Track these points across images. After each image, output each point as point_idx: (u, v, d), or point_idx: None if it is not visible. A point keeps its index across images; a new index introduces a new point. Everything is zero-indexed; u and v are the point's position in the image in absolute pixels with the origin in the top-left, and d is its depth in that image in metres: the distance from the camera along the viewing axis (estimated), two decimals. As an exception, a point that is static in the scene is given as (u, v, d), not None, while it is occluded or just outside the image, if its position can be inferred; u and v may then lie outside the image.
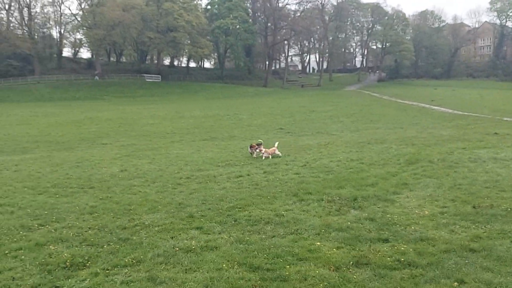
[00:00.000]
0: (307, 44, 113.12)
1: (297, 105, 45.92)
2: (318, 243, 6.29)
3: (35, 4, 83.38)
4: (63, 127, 32.53)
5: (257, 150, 15.22)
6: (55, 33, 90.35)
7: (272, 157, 14.75)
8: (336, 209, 8.07)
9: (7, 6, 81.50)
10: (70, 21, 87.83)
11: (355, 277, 5.25)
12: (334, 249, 6.07)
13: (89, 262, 5.63)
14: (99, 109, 50.10)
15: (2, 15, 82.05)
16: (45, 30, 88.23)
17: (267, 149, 14.98)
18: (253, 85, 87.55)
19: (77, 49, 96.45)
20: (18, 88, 71.54)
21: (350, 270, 5.44)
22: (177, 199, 9.20)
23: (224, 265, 5.54)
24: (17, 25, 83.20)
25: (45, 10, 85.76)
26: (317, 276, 5.25)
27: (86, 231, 6.94)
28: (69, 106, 54.06)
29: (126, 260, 5.68)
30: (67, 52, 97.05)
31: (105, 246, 6.24)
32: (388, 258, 5.71)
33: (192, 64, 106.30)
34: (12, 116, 43.67)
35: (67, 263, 5.55)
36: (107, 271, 5.34)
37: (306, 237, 6.59)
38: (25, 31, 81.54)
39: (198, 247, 6.16)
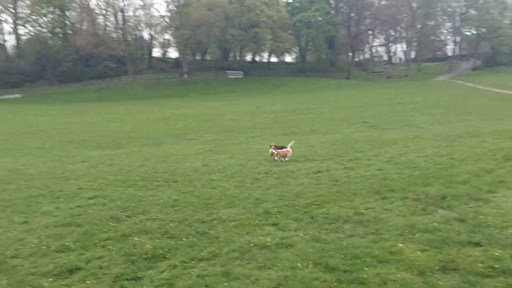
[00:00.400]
0: (393, 33, 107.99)
1: (382, 97, 44.12)
2: (401, 245, 5.88)
3: (127, 8, 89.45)
4: (153, 123, 34.52)
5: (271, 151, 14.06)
6: (146, 34, 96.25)
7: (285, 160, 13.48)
8: (421, 208, 7.51)
9: (104, 12, 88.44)
10: (159, 23, 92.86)
11: (441, 283, 4.82)
12: (418, 252, 5.63)
13: (168, 254, 5.82)
14: (185, 106, 52.48)
15: (100, 20, 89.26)
16: (137, 32, 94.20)
17: (279, 151, 13.68)
18: (335, 78, 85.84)
19: (165, 49, 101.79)
20: (114, 88, 77.55)
21: (436, 275, 5.00)
22: (254, 194, 9.22)
23: (298, 264, 5.40)
24: (112, 29, 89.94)
25: (137, 13, 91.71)
26: (398, 280, 4.90)
27: (167, 224, 7.21)
28: (159, 104, 57.33)
29: (203, 254, 5.79)
30: (156, 52, 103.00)
31: (184, 239, 6.42)
32: (480, 264, 5.16)
33: (274, 59, 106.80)
34: (109, 114, 47.38)
35: (149, 254, 5.79)
36: (185, 264, 5.47)
37: (388, 238, 6.20)
38: (119, 34, 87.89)
39: (273, 244, 6.08)
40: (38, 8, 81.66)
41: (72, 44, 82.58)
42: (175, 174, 12.40)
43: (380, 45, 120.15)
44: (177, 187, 10.42)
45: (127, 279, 5.07)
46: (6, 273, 5.32)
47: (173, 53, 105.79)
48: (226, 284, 4.86)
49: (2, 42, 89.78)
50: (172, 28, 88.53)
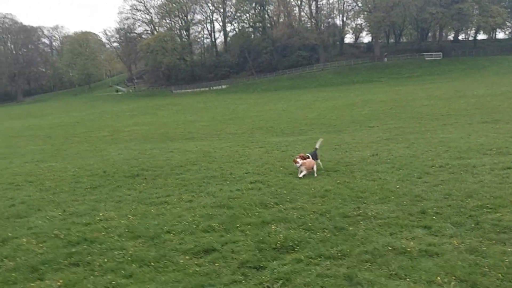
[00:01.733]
0: None
1: None
2: None
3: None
4: (338, 110, 34.50)
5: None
6: (338, 21, 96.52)
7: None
8: None
9: (298, 2, 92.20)
10: (352, 8, 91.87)
11: None
12: None
13: (298, 247, 5.64)
14: (374, 92, 50.80)
15: (295, 11, 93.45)
16: (329, 20, 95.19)
17: (305, 161, 10.53)
18: None
19: (357, 34, 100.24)
20: (306, 76, 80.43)
21: None
22: (415, 190, 8.22)
23: (438, 278, 4.54)
24: (306, 19, 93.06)
25: (330, 1, 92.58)
26: None
27: (309, 215, 7.02)
28: (347, 90, 56.98)
29: (332, 251, 5.41)
30: (348, 38, 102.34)
31: (318, 233, 6.13)
32: None
33: (481, 36, 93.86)
34: (298, 101, 49.41)
35: (278, 245, 5.72)
36: (310, 260, 5.21)
37: None
38: (312, 23, 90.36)
39: (415, 250, 5.28)
40: (242, 5, 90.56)
41: (270, 37, 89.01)
42: (338, 163, 12.07)
43: None
44: (334, 177, 10.09)
45: (250, 267, 5.11)
46: (156, 246, 6.00)
47: (365, 38, 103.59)
48: (345, 288, 4.43)
49: (213, 40, 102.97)
50: (365, 12, 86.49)
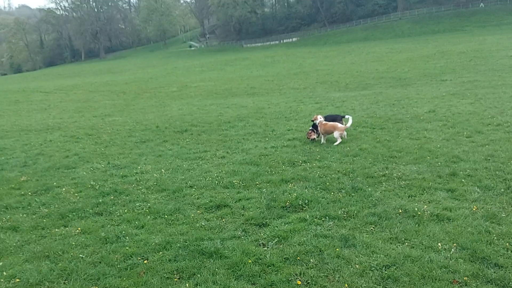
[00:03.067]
0: None
1: None
2: None
3: None
4: (412, 62, 32.53)
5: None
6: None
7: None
8: None
9: None
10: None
11: None
12: None
13: (307, 206, 5.59)
14: (455, 42, 46.87)
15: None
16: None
17: (326, 124, 9.19)
18: None
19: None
20: (382, 26, 75.83)
21: None
22: (456, 151, 7.67)
23: (439, 244, 4.29)
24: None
25: None
26: None
27: (331, 174, 6.85)
28: (425, 41, 53.07)
29: (339, 212, 5.29)
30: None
31: (333, 193, 6.00)
32: None
33: None
34: (370, 53, 47.11)
35: (288, 203, 5.70)
36: (315, 220, 5.14)
37: None
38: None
39: (426, 214, 4.99)
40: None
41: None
42: (388, 120, 11.52)
43: None
44: (378, 134, 9.70)
45: (253, 224, 5.18)
46: (176, 199, 6.27)
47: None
48: (337, 250, 4.34)
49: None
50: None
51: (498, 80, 19.12)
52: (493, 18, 63.27)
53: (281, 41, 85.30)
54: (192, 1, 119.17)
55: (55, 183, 7.47)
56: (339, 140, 9.03)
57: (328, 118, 9.66)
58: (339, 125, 9.22)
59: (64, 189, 7.09)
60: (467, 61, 28.61)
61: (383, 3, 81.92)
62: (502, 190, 5.58)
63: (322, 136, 9.26)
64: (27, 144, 11.58)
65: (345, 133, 9.25)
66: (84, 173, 8.14)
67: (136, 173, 7.91)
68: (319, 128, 9.26)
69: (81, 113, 19.68)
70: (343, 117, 10.03)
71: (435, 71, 25.44)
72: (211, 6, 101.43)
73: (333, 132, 9.13)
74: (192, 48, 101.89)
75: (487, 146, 7.83)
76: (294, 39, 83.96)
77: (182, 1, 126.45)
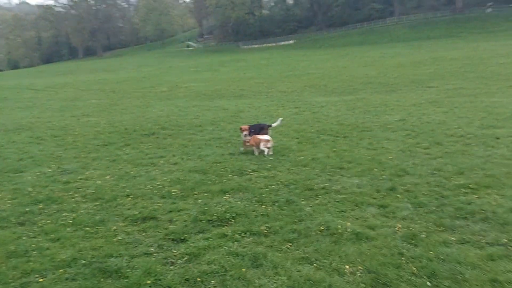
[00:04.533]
0: None
1: None
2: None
3: None
4: (402, 68, 32.41)
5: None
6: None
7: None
8: None
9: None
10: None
11: None
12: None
13: (233, 221, 5.37)
14: (448, 48, 46.80)
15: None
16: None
17: (255, 137, 8.97)
18: None
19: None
20: (378, 30, 75.70)
21: None
22: (405, 164, 7.49)
23: (347, 266, 4.10)
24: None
25: None
26: None
27: (272, 185, 6.68)
28: (419, 46, 52.90)
29: (262, 228, 5.09)
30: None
31: (264, 206, 5.79)
32: None
33: None
34: (363, 58, 46.92)
35: (215, 217, 5.50)
36: (235, 235, 4.90)
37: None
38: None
39: (347, 233, 4.78)
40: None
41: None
42: (355, 128, 11.36)
43: None
44: (338, 143, 9.55)
45: (172, 239, 4.97)
46: (106, 210, 6.04)
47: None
48: (243, 270, 4.14)
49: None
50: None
51: (483, 88, 19.01)
52: (488, 25, 63.12)
53: (278, 43, 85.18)
54: (191, 1, 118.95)
55: (-7, 190, 7.28)
56: (266, 151, 8.69)
57: (255, 127, 9.43)
58: (263, 137, 8.83)
59: (0, 195, 6.90)
60: (457, 68, 28.51)
61: (380, 8, 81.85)
62: (434, 208, 5.40)
63: (255, 148, 8.88)
64: (-12, 145, 11.39)
65: (271, 143, 8.85)
66: (29, 178, 7.94)
67: (80, 179, 7.72)
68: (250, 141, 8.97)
69: (62, 112, 19.47)
70: (270, 126, 9.67)
71: (423, 77, 25.32)
72: (209, 6, 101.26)
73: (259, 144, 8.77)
74: (190, 48, 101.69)
75: (439, 159, 7.66)
76: (290, 42, 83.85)
77: (181, 1, 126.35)
